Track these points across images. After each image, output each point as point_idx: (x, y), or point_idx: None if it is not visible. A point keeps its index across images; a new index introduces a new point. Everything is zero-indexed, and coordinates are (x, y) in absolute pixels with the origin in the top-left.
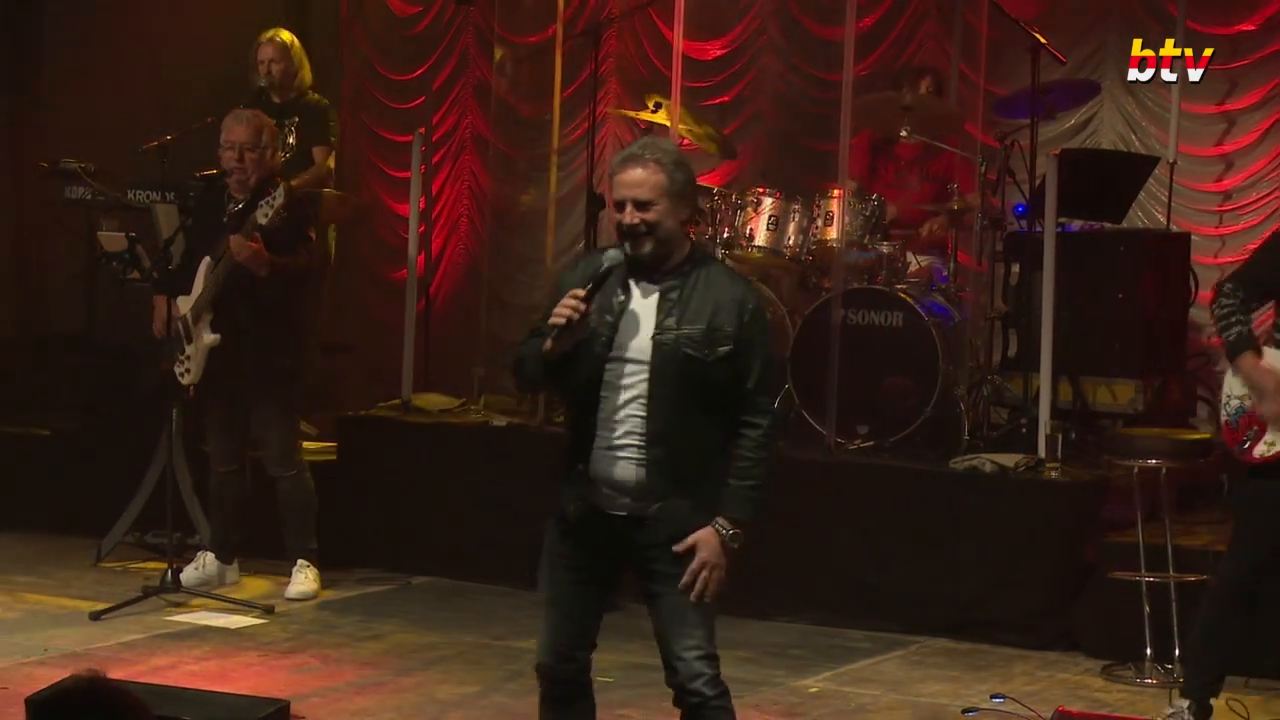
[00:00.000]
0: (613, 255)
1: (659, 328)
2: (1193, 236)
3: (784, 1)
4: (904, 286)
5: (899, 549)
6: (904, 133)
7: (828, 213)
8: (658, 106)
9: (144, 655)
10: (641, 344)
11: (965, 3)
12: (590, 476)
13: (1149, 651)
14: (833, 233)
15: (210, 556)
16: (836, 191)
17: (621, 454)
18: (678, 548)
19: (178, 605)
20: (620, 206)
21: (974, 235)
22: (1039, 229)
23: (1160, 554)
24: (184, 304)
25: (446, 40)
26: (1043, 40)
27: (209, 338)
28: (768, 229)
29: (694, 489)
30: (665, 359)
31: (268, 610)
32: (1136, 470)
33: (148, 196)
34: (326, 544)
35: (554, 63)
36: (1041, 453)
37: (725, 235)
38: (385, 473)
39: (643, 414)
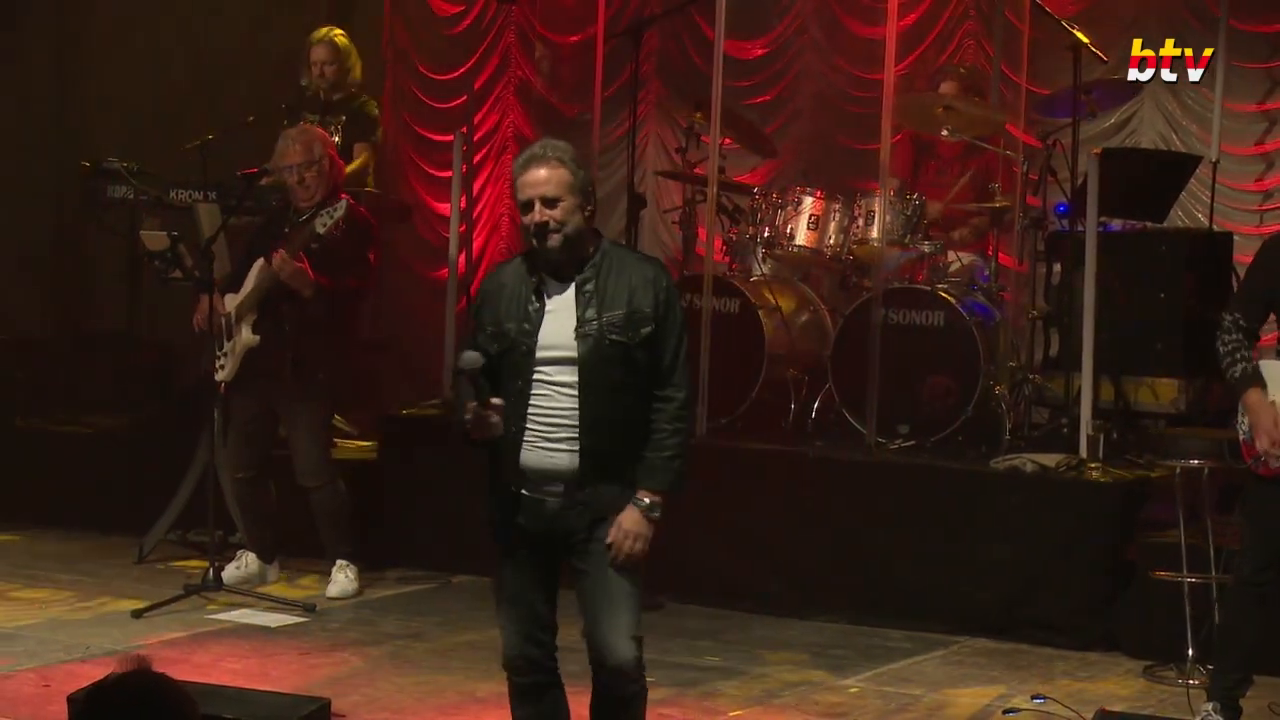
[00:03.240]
0: (470, 357)
1: (581, 321)
2: (1235, 236)
3: (825, 1)
4: (945, 286)
5: (939, 549)
6: (945, 132)
7: (869, 212)
8: (698, 107)
9: (185, 653)
10: (566, 340)
11: (1006, 2)
12: (520, 469)
13: (1191, 652)
14: (874, 232)
15: (251, 555)
16: (877, 191)
17: (556, 446)
18: (608, 543)
19: (219, 604)
20: (528, 207)
21: (1015, 235)
22: (1080, 228)
23: (1202, 554)
24: (230, 301)
25: (488, 39)
26: (1084, 39)
27: (249, 338)
28: (808, 228)
29: (622, 471)
30: (591, 350)
31: (308, 609)
32: (1179, 470)
33: (190, 196)
34: (366, 543)
35: (595, 62)
36: (1083, 452)
37: (766, 234)
38: (425, 472)
39: (574, 405)
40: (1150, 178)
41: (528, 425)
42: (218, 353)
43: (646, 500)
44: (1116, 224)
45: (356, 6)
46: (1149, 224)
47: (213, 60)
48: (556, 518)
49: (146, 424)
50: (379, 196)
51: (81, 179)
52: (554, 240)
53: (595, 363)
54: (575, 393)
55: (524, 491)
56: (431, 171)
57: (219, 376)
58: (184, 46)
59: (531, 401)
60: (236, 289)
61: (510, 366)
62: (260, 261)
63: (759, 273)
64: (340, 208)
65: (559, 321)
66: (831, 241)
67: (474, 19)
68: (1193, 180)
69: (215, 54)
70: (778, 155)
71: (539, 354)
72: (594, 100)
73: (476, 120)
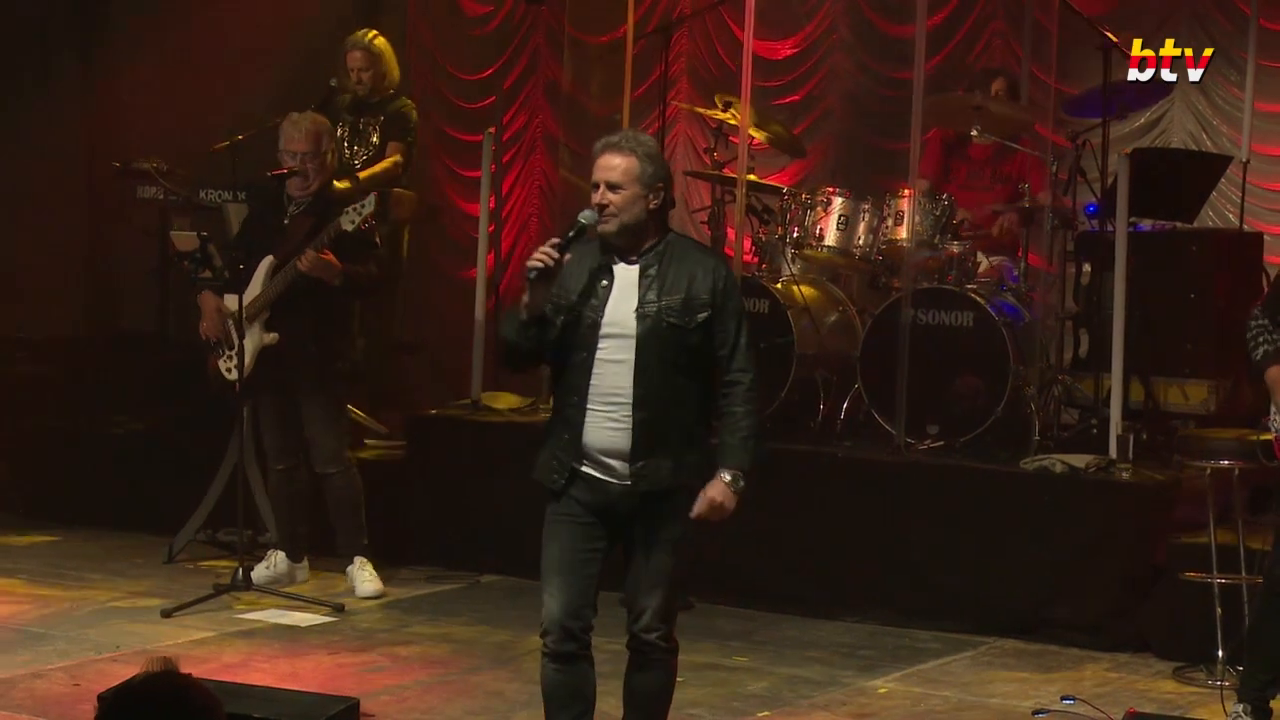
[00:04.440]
0: (588, 215)
1: (641, 302)
2: (1265, 236)
3: (854, 0)
4: (974, 286)
5: (968, 549)
6: (975, 133)
7: (898, 212)
8: (727, 105)
9: (214, 653)
10: (626, 318)
11: (1035, 2)
12: (581, 445)
13: (1221, 653)
14: (903, 232)
15: (281, 555)
16: (907, 191)
17: (611, 420)
18: (693, 514)
19: (248, 603)
20: (595, 187)
21: (1045, 235)
22: (1110, 229)
23: (1232, 555)
24: (234, 301)
25: (517, 40)
26: (1114, 39)
27: (267, 336)
28: (837, 228)
29: (674, 451)
30: (649, 330)
31: (337, 608)
32: (1208, 471)
33: (219, 196)
34: (396, 542)
35: (624, 62)
36: (1113, 453)
37: (795, 235)
38: (455, 471)
39: (629, 382)
40: (1180, 178)
41: (589, 404)
42: (229, 352)
43: (729, 475)
44: (1146, 224)
45: (384, 6)
46: (1179, 224)
47: (241, 61)
48: (620, 498)
49: (176, 424)
50: (407, 197)
51: (111, 180)
52: (609, 224)
53: (651, 342)
54: (631, 370)
55: (586, 469)
56: (460, 171)
57: (230, 377)
58: (212, 47)
59: (592, 379)
60: (239, 288)
61: (576, 338)
62: (269, 260)
63: (788, 273)
64: (368, 204)
65: (622, 300)
66: (860, 242)
67: (503, 19)
68: (1223, 180)
69: (243, 54)
70: (806, 155)
71: (603, 329)
72: (624, 100)
73: (505, 120)
